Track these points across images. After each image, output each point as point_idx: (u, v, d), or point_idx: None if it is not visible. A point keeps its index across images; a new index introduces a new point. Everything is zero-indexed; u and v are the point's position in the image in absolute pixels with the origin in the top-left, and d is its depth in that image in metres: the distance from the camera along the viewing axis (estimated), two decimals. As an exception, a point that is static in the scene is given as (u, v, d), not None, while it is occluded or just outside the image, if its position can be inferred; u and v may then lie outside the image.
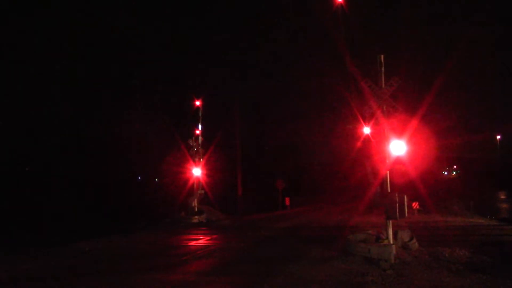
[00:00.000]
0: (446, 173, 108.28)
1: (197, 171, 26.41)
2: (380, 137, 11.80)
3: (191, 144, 26.49)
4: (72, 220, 28.21)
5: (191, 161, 26.43)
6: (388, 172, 11.71)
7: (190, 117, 27.73)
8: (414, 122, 12.09)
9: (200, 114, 27.34)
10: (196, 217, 25.50)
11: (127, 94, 46.45)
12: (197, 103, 27.49)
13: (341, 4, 13.97)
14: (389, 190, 11.59)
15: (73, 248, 15.13)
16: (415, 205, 27.58)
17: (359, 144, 12.49)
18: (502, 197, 42.83)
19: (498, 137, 70.85)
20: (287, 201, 40.16)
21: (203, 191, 26.58)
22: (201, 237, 18.55)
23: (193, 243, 17.16)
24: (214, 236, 18.89)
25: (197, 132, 26.95)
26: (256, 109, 49.66)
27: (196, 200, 26.28)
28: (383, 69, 11.97)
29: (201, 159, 26.65)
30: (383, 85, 11.78)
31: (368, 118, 12.11)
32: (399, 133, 11.63)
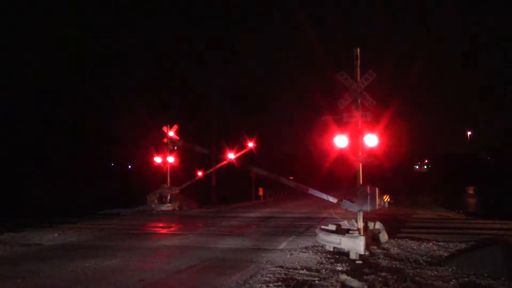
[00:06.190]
0: (417, 167, 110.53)
1: (170, 159, 26.12)
2: (354, 131, 11.85)
3: (166, 131, 26.11)
4: (40, 205, 27.81)
5: (165, 149, 26.07)
6: (360, 165, 11.81)
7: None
8: (387, 116, 12.19)
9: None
10: (169, 205, 25.32)
11: (102, 78, 45.20)
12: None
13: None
14: (361, 182, 11.71)
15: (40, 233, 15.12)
16: (386, 197, 28.08)
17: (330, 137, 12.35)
18: (470, 192, 43.81)
19: (469, 133, 72.58)
20: (261, 191, 40.33)
21: (177, 190, 26.20)
22: (172, 225, 18.51)
23: (164, 230, 17.09)
24: (186, 224, 18.82)
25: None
26: (233, 99, 49.34)
27: (169, 188, 26.00)
28: (358, 62, 11.95)
29: (175, 147, 26.31)
30: (359, 79, 11.80)
31: (342, 111, 12.06)
32: (373, 127, 11.70)
